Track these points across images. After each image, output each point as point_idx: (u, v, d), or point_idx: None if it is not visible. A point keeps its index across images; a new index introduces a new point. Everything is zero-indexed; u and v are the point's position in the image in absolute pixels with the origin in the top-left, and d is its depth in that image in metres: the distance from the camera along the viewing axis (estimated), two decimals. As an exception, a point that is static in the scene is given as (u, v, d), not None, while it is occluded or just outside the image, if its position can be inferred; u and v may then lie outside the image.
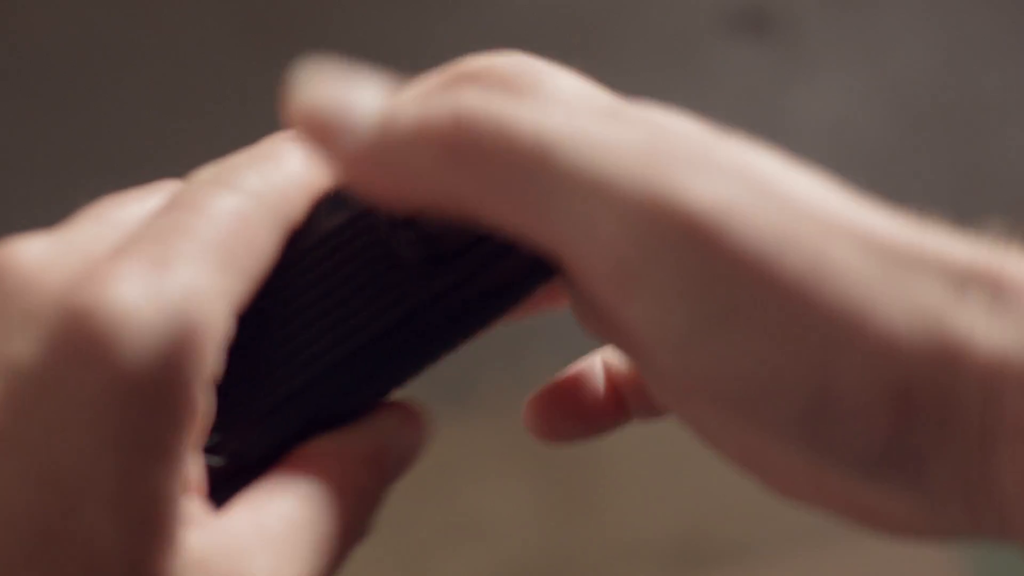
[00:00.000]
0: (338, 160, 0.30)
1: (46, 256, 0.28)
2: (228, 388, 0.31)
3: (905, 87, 1.69)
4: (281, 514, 0.29)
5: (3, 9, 1.74)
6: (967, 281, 0.29)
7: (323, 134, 0.30)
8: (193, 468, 0.29)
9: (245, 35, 1.72)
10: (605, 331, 0.31)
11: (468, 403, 1.38)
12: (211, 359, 0.28)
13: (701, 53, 1.71)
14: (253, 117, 1.65)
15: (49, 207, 1.55)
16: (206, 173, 0.31)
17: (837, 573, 1.26)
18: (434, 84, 0.33)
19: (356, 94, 0.30)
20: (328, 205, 0.32)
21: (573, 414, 0.36)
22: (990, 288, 0.29)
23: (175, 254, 0.28)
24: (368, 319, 0.31)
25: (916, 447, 0.29)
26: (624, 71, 1.67)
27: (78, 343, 0.26)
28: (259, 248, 0.30)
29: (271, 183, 0.31)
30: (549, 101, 0.30)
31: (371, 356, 0.31)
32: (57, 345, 0.26)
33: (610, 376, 0.36)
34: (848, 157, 1.62)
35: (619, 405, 0.36)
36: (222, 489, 0.31)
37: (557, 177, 0.28)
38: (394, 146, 0.30)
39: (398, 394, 1.56)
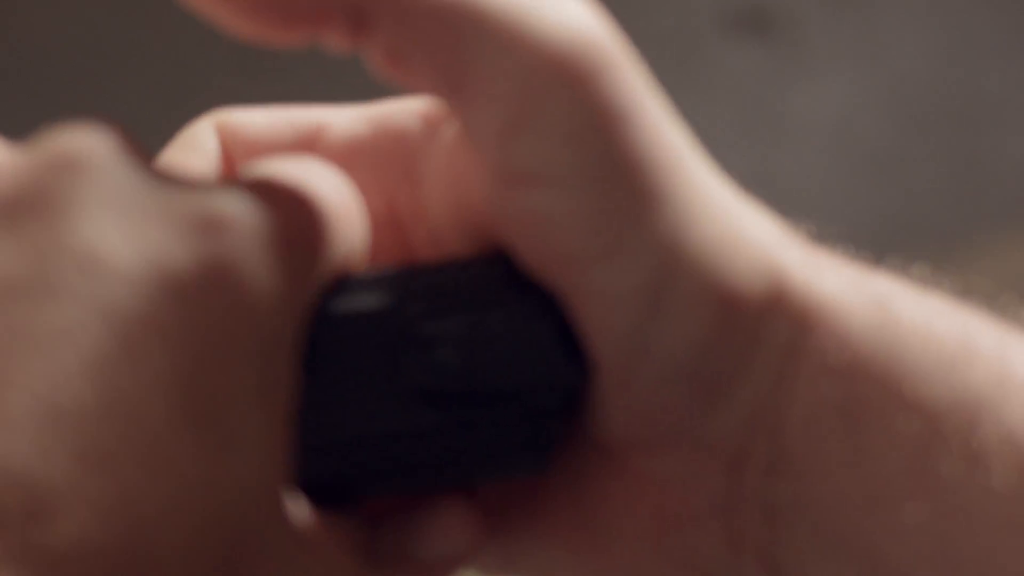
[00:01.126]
0: None
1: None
2: None
3: (905, 87, 1.69)
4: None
5: (3, 9, 1.74)
6: (795, 240, 0.31)
7: None
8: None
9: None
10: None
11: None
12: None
13: (701, 53, 1.71)
14: (253, 117, 1.65)
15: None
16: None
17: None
18: None
19: None
20: (355, 282, 0.30)
21: None
22: (814, 254, 0.31)
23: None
24: (349, 419, 0.29)
25: (728, 359, 0.30)
26: (624, 71, 1.67)
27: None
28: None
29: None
30: None
31: (349, 456, 0.29)
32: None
33: None
34: (848, 157, 1.62)
35: None
36: None
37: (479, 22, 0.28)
38: None
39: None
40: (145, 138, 1.62)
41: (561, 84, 0.28)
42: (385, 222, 0.33)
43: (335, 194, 0.29)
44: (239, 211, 0.27)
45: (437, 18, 0.28)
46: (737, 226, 0.30)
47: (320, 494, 0.29)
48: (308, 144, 0.34)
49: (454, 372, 0.29)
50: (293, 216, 0.28)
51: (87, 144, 0.27)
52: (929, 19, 1.75)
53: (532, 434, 0.29)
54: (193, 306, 0.25)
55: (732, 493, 0.31)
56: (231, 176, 0.33)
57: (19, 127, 1.64)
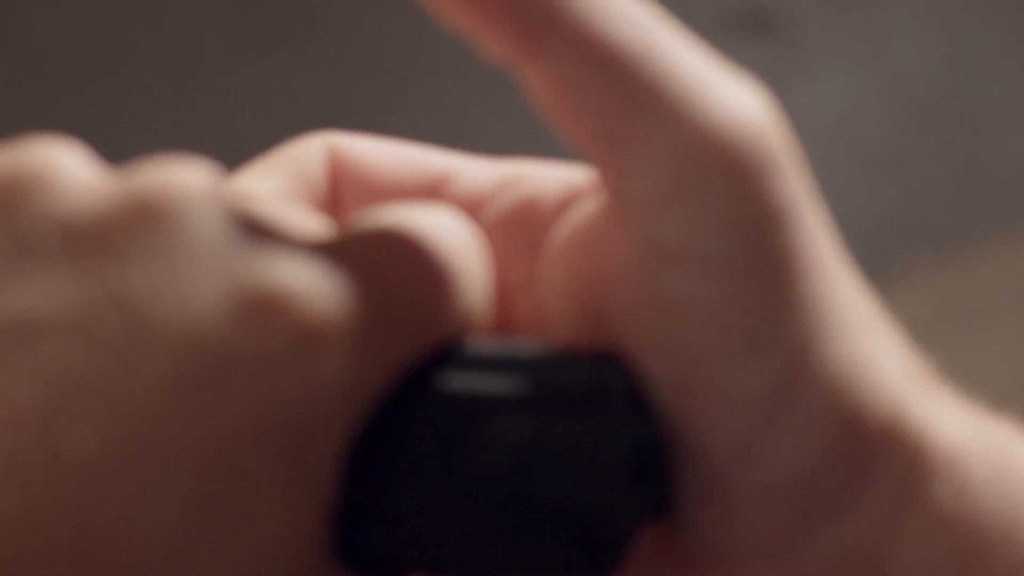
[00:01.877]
0: None
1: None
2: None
3: (905, 87, 1.69)
4: None
5: (3, 9, 1.74)
6: (921, 372, 0.30)
7: None
8: None
9: (245, 35, 1.72)
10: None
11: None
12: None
13: (701, 53, 1.71)
14: (254, 117, 1.65)
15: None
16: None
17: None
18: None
19: None
20: (456, 354, 0.28)
21: None
22: (937, 391, 0.30)
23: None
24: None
25: (838, 487, 0.28)
26: (624, 71, 1.67)
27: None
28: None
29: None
30: None
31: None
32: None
33: None
34: (848, 157, 1.62)
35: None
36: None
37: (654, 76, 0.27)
38: None
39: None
40: (145, 139, 1.62)
41: (726, 172, 0.27)
42: (494, 287, 0.31)
43: (463, 253, 0.28)
44: (305, 293, 0.25)
45: (614, 62, 0.27)
46: (870, 348, 0.28)
47: (364, 566, 0.28)
48: (430, 192, 0.32)
49: (506, 474, 0.27)
50: (397, 282, 0.27)
51: (176, 187, 0.26)
52: (929, 19, 1.75)
53: (587, 551, 0.28)
54: (217, 388, 0.25)
55: None
56: (335, 216, 0.32)
57: (19, 127, 1.64)
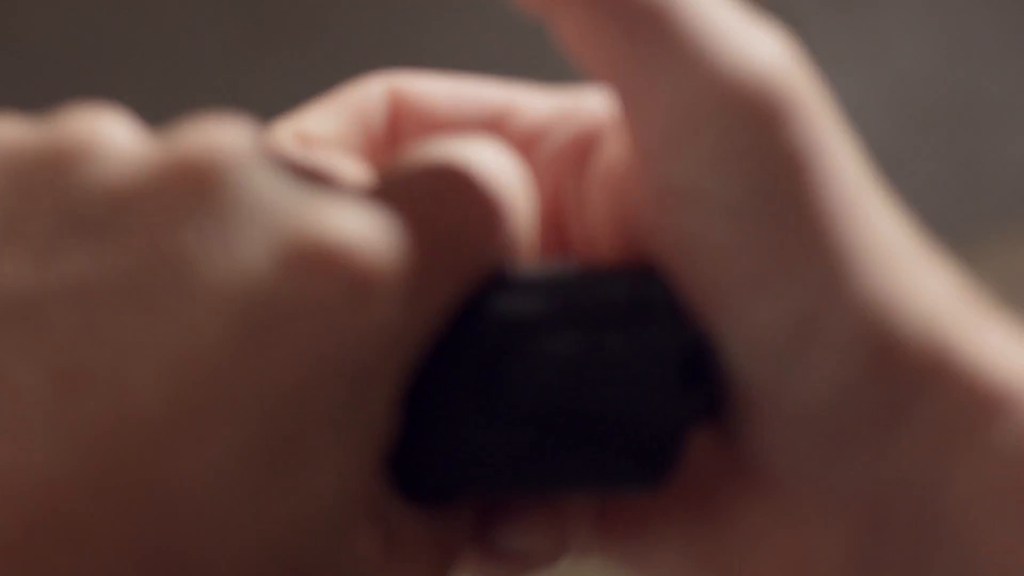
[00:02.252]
0: None
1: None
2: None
3: (905, 87, 1.69)
4: None
5: (3, 9, 1.74)
6: (973, 303, 0.30)
7: None
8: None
9: (245, 35, 1.72)
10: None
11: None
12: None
13: (701, 53, 1.71)
14: (254, 117, 1.65)
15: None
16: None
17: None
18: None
19: None
20: (506, 279, 0.29)
21: None
22: (992, 322, 0.30)
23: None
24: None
25: (874, 412, 0.29)
26: (624, 71, 1.67)
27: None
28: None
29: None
30: None
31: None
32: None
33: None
34: (849, 157, 1.63)
35: None
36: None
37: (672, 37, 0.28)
38: None
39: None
40: (145, 138, 1.62)
41: (740, 116, 0.27)
42: (546, 212, 0.32)
43: (508, 186, 0.28)
44: (356, 243, 0.26)
45: (634, 13, 0.28)
46: (906, 279, 0.29)
47: (423, 494, 0.29)
48: (493, 126, 0.32)
49: (557, 392, 0.28)
50: (444, 223, 0.27)
51: (220, 148, 0.26)
52: (929, 19, 1.75)
53: (639, 459, 0.29)
54: (273, 340, 0.25)
55: (870, 554, 0.29)
56: (391, 156, 0.33)
57: (19, 127, 1.64)
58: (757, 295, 0.28)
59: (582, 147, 0.32)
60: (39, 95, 1.67)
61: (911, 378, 0.29)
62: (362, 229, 0.26)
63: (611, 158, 0.30)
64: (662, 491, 0.30)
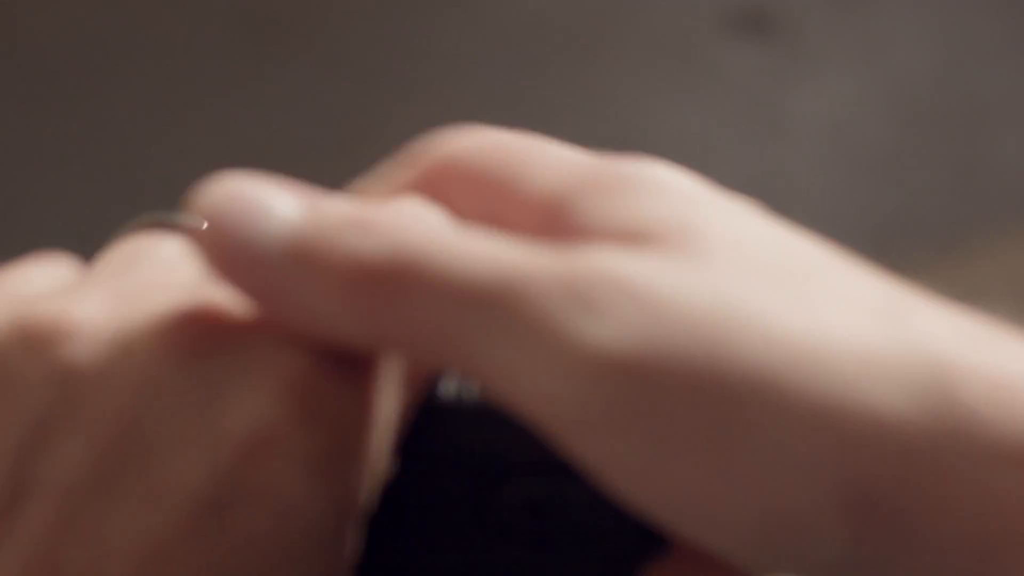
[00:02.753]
0: (230, 264, 0.26)
1: None
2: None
3: (905, 87, 1.69)
4: None
5: (3, 9, 1.74)
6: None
7: (231, 230, 0.26)
8: None
9: (245, 35, 1.72)
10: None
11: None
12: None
13: (701, 53, 1.71)
14: (253, 117, 1.65)
15: (49, 207, 1.55)
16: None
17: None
18: (377, 189, 0.30)
19: (275, 197, 0.26)
20: (432, 399, 0.29)
21: None
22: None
23: None
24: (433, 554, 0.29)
25: (876, 558, 0.25)
26: (624, 71, 1.67)
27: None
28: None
29: None
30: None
31: None
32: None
33: None
34: (848, 157, 1.62)
35: None
36: None
37: (505, 331, 0.25)
38: (304, 271, 0.26)
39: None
40: (144, 139, 1.62)
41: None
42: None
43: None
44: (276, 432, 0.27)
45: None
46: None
47: None
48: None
49: (526, 534, 0.28)
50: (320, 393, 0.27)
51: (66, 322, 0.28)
52: (929, 19, 1.75)
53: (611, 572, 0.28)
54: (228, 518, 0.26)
55: None
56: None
57: (19, 127, 1.64)
58: (713, 509, 0.25)
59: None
60: (39, 95, 1.67)
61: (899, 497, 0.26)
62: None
63: None
64: None
